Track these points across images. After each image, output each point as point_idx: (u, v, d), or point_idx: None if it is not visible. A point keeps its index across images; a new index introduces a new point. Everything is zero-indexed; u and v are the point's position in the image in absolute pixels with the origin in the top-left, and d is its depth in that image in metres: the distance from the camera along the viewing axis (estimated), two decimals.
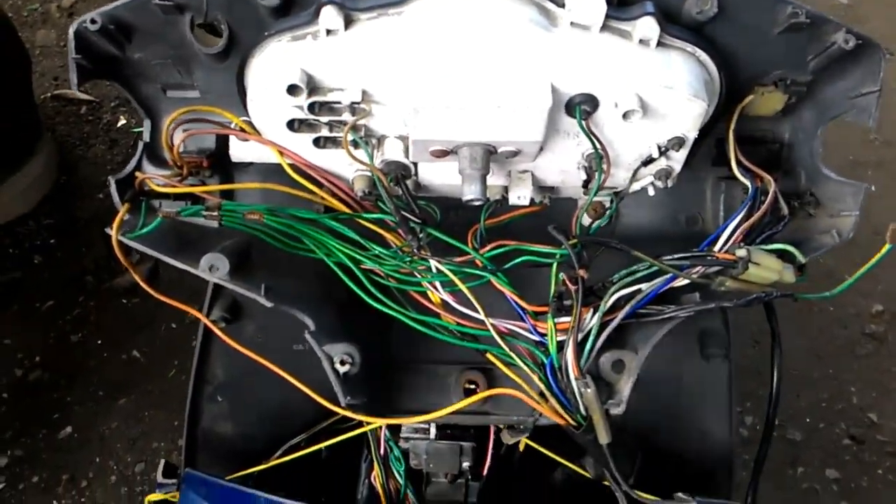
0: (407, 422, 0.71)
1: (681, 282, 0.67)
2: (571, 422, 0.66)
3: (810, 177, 0.77)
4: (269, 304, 0.64)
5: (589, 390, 0.63)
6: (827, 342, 2.12)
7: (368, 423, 0.93)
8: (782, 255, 0.67)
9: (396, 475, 0.92)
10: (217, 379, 1.04)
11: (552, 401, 0.67)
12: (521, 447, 0.92)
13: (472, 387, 0.77)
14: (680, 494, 0.65)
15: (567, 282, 0.65)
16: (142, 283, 0.72)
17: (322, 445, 0.92)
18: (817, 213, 0.74)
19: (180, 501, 0.94)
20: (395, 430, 0.94)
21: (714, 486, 0.96)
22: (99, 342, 2.26)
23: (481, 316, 0.68)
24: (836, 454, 1.98)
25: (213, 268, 0.65)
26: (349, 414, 0.67)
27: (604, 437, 0.64)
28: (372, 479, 0.93)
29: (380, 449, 0.93)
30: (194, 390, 1.03)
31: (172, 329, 2.26)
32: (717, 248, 0.67)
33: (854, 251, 2.27)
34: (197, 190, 0.71)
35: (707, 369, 0.98)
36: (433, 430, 0.93)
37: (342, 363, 0.65)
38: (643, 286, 0.67)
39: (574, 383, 0.64)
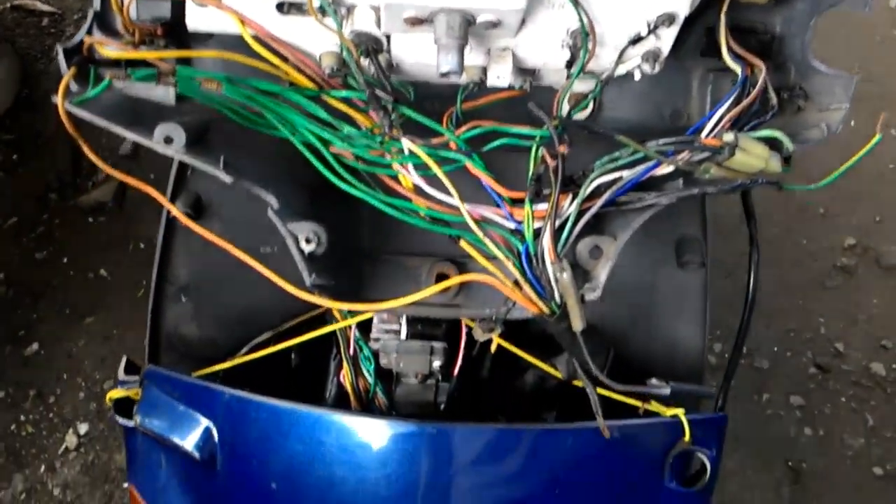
0: (374, 308, 0.68)
1: (664, 169, 0.64)
2: (545, 310, 0.64)
3: (800, 70, 0.74)
4: (228, 180, 0.60)
5: (565, 274, 0.61)
6: (798, 274, 2.14)
7: (335, 320, 0.92)
8: (770, 145, 0.64)
9: (366, 374, 0.90)
10: (180, 279, 1.00)
11: (526, 288, 0.64)
12: (493, 348, 0.91)
13: (444, 276, 0.74)
14: (653, 380, 0.64)
15: (547, 157, 0.62)
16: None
17: (290, 343, 0.90)
18: (806, 107, 0.72)
19: (142, 398, 0.92)
20: (365, 330, 0.92)
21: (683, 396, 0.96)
22: (64, 260, 2.22)
23: (455, 200, 0.64)
24: (802, 382, 2.03)
25: (168, 139, 0.60)
26: (315, 299, 0.65)
27: (578, 324, 0.63)
28: (341, 377, 0.91)
29: (349, 349, 0.91)
30: (156, 289, 1.00)
31: (140, 249, 2.22)
32: (704, 133, 0.64)
33: (831, 186, 2.28)
34: (150, 55, 0.66)
35: (682, 277, 0.97)
36: (404, 330, 0.91)
37: (307, 241, 0.62)
38: (625, 173, 0.64)
39: (550, 268, 0.62)
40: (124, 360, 0.97)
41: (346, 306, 0.66)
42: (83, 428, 2.02)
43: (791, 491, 1.93)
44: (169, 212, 0.96)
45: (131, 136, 0.63)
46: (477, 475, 0.84)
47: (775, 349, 2.07)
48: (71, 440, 1.99)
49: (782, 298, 2.12)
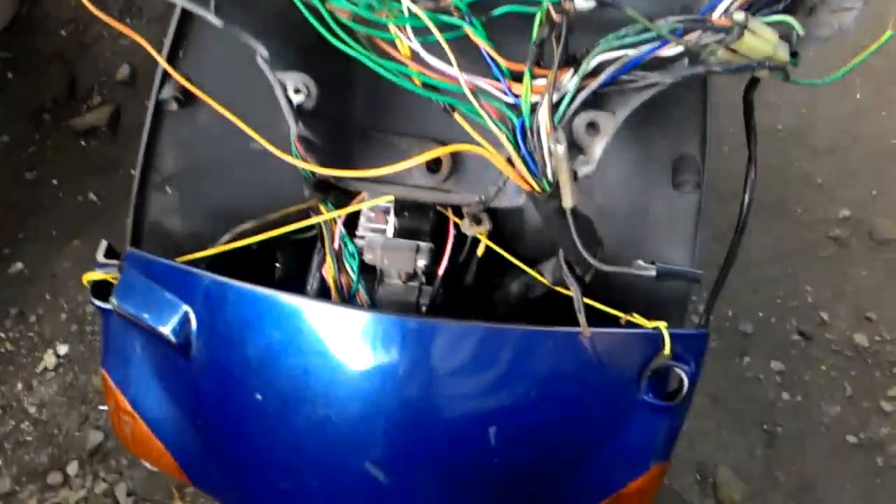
0: (358, 174, 0.66)
1: (670, 50, 0.62)
2: (537, 187, 0.63)
3: None
4: (218, 23, 0.58)
5: (560, 146, 0.60)
6: (791, 243, 2.13)
7: (320, 212, 0.89)
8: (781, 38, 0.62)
9: (349, 270, 0.89)
10: (166, 168, 0.98)
11: (519, 164, 0.63)
12: (480, 252, 0.90)
13: (436, 160, 0.72)
14: (640, 262, 0.63)
15: (552, 12, 0.60)
16: None
17: (274, 233, 0.88)
18: (819, 7, 0.69)
19: (121, 281, 0.90)
20: (350, 225, 0.91)
21: (668, 307, 0.95)
22: (54, 181, 2.19)
23: (452, 69, 0.62)
24: (784, 348, 2.03)
25: None
26: (301, 164, 0.63)
27: (569, 201, 0.61)
28: (323, 271, 0.89)
29: (333, 243, 0.89)
30: (141, 177, 0.98)
31: (131, 176, 2.19)
32: (715, 14, 0.62)
33: (833, 158, 2.26)
34: None
35: (676, 199, 0.95)
36: (391, 228, 0.89)
37: (296, 91, 0.59)
38: (630, 51, 0.62)
39: (545, 139, 0.60)
40: (104, 244, 0.95)
41: (332, 172, 0.64)
42: (63, 349, 2.01)
43: (765, 454, 1.94)
44: (158, 95, 0.94)
45: None
46: (455, 373, 0.84)
47: (760, 314, 2.07)
48: (50, 360, 1.98)
49: (773, 265, 2.11)
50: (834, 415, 1.96)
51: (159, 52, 0.92)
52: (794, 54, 0.64)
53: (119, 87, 2.34)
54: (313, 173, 0.71)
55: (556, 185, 0.62)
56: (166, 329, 0.86)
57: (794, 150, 2.23)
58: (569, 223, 0.62)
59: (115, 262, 0.92)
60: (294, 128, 0.59)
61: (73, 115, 2.26)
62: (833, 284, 2.09)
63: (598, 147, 0.62)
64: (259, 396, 0.82)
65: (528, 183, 0.63)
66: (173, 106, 0.93)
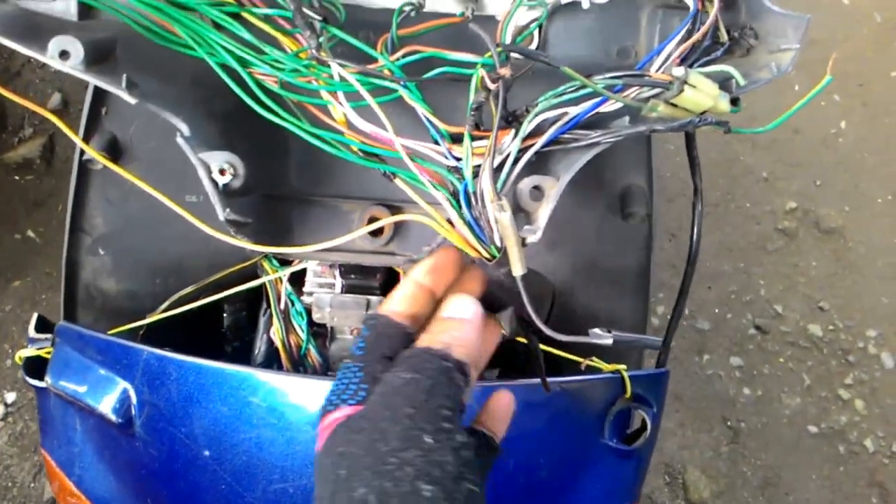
0: (299, 252, 0.63)
1: (610, 106, 0.60)
2: (485, 254, 0.60)
3: (751, 10, 0.70)
4: (131, 100, 0.54)
5: (504, 214, 0.57)
6: (740, 237, 2.17)
7: (266, 274, 0.86)
8: (719, 85, 0.61)
9: (298, 330, 0.85)
10: (97, 229, 0.93)
11: (465, 230, 0.60)
12: None
13: (378, 224, 0.69)
14: (596, 330, 0.61)
15: (488, 81, 0.57)
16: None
17: (213, 298, 0.84)
18: (756, 47, 0.68)
19: (53, 357, 0.85)
20: (297, 284, 0.87)
21: (626, 346, 0.94)
22: None
23: (389, 133, 0.59)
24: (741, 343, 2.07)
25: (64, 53, 0.53)
26: (236, 241, 0.59)
27: (518, 268, 0.59)
28: (271, 334, 0.86)
29: (280, 303, 0.86)
30: (70, 241, 0.92)
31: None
32: (653, 68, 0.60)
33: (774, 151, 2.30)
34: None
35: (627, 229, 0.94)
36: (338, 283, 0.86)
37: (221, 172, 0.56)
38: (570, 109, 0.60)
39: (489, 206, 0.57)
40: (35, 316, 0.89)
41: (268, 249, 0.60)
42: (10, 397, 1.94)
43: (730, 450, 1.97)
44: (82, 155, 0.88)
45: (24, 50, 0.55)
46: None
47: (716, 311, 2.10)
48: None
49: (724, 261, 2.14)
50: (794, 406, 2.00)
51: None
52: (734, 101, 0.63)
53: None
54: None
55: (503, 251, 0.59)
56: (105, 407, 0.81)
57: (737, 145, 2.26)
58: (520, 289, 0.60)
59: (47, 335, 0.87)
60: (221, 212, 0.55)
61: (4, 150, 2.17)
62: (784, 277, 2.13)
63: (543, 213, 0.60)
64: (210, 473, 0.78)
65: (474, 249, 0.61)
66: (99, 165, 0.88)
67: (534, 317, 0.62)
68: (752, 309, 2.10)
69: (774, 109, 2.29)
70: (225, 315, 1.08)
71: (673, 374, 2.14)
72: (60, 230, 2.12)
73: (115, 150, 0.88)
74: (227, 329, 1.08)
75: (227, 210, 0.55)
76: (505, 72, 0.56)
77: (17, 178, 2.18)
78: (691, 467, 1.92)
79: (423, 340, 0.52)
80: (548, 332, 0.60)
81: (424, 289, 0.58)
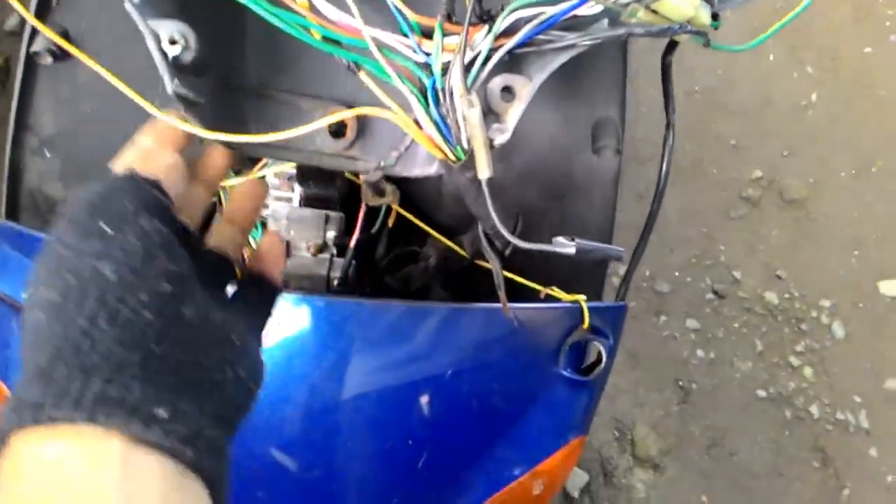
0: (249, 139, 0.60)
1: (589, 9, 0.57)
2: (451, 155, 0.58)
3: None
4: None
5: (473, 110, 0.55)
6: (705, 203, 2.18)
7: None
8: None
9: (253, 244, 0.82)
10: (44, 129, 0.88)
11: (431, 129, 0.57)
12: (391, 222, 0.85)
13: (340, 124, 0.66)
14: (560, 238, 0.60)
15: None
16: None
17: None
18: None
19: None
20: None
21: (587, 278, 0.94)
22: None
23: (356, 21, 0.56)
24: (699, 306, 2.09)
25: None
26: (186, 126, 0.55)
27: (485, 171, 0.56)
28: None
29: None
30: (14, 142, 0.87)
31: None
32: None
33: (747, 118, 2.30)
34: None
35: (597, 163, 0.93)
36: (297, 196, 0.83)
37: (171, 42, 0.52)
38: (547, 9, 0.57)
39: (457, 102, 0.55)
40: None
41: (220, 136, 0.57)
42: None
43: (680, 409, 2.01)
44: (29, 46, 0.83)
45: None
46: (368, 354, 0.79)
47: (676, 274, 2.12)
48: None
49: (688, 226, 2.16)
50: (745, 370, 2.04)
51: None
52: (714, 16, 0.61)
53: (7, 38, 2.14)
54: None
55: (470, 154, 0.57)
56: None
57: (709, 111, 2.26)
58: (485, 195, 0.58)
59: None
60: (169, 84, 0.52)
61: None
62: (745, 244, 2.16)
63: (513, 114, 0.57)
64: None
65: (440, 150, 0.58)
66: (48, 60, 0.83)
67: (497, 223, 0.60)
68: (711, 274, 2.12)
69: (751, 78, 2.29)
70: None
71: (629, 333, 2.16)
72: (9, 126, 2.05)
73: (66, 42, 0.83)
74: None
75: (176, 81, 0.51)
76: None
77: None
78: (641, 424, 1.95)
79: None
80: (512, 239, 0.58)
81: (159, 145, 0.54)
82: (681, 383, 2.02)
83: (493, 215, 0.60)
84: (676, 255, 2.13)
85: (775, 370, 2.05)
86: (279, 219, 0.80)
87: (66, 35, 0.84)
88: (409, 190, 0.86)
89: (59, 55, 0.83)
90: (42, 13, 0.85)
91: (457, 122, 0.57)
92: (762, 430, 1.98)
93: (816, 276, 2.12)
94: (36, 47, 0.82)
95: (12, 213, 0.90)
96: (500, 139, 0.57)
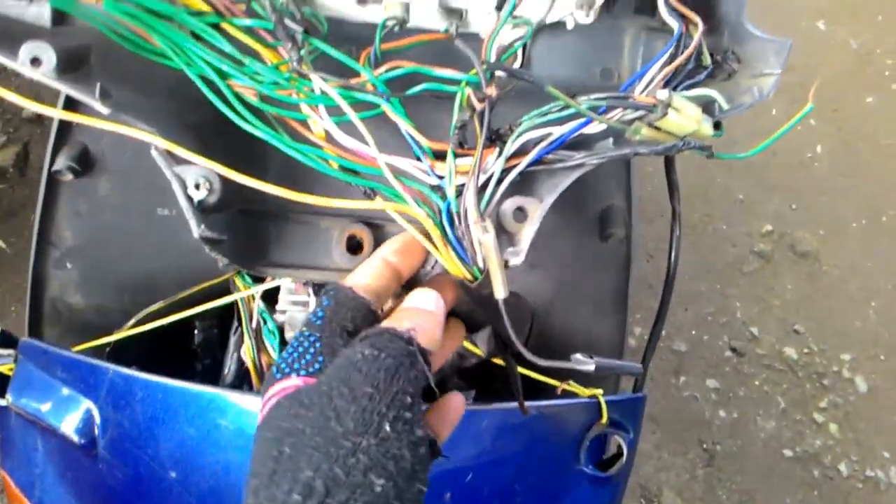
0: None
1: (594, 127, 0.59)
2: (467, 274, 0.59)
3: (734, 34, 0.70)
4: (104, 110, 0.52)
5: (488, 236, 0.56)
6: (717, 259, 2.18)
7: (238, 290, 0.84)
8: (703, 109, 0.61)
9: (270, 350, 0.83)
10: (65, 242, 0.90)
11: (447, 250, 0.59)
12: None
13: (357, 241, 0.67)
14: (578, 356, 0.60)
15: (473, 100, 0.56)
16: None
17: (183, 314, 0.82)
18: (739, 72, 0.68)
19: (16, 374, 0.81)
20: (270, 301, 0.85)
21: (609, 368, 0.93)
22: None
23: (371, 150, 0.58)
24: (718, 365, 2.07)
25: (35, 60, 0.51)
26: (219, 259, 0.57)
27: (500, 291, 0.57)
28: (241, 353, 0.83)
29: (252, 321, 0.83)
30: (37, 254, 0.89)
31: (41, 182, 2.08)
32: (637, 90, 0.60)
33: (752, 174, 2.32)
34: None
35: (605, 249, 0.94)
36: (313, 301, 0.84)
37: (196, 187, 0.54)
38: (554, 130, 0.59)
39: (472, 228, 0.56)
40: None
41: (245, 268, 0.58)
42: None
43: (705, 473, 1.97)
44: (51, 166, 0.86)
45: None
46: None
47: (693, 332, 2.10)
48: None
49: (701, 283, 2.16)
50: (770, 430, 2.00)
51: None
52: (717, 125, 0.63)
53: (26, 125, 2.21)
54: None
55: (486, 274, 0.58)
56: (68, 427, 0.78)
57: (715, 166, 2.28)
58: (502, 313, 0.59)
59: (10, 351, 0.84)
60: (196, 230, 0.53)
61: None
62: (760, 299, 2.14)
63: (527, 235, 0.58)
64: (176, 496, 0.75)
65: (457, 269, 0.59)
66: (69, 177, 0.86)
67: (515, 340, 0.60)
68: (728, 331, 2.11)
69: (753, 132, 2.31)
70: (196, 332, 1.05)
71: (650, 395, 2.14)
72: (32, 241, 2.08)
73: (86, 162, 0.86)
74: (197, 346, 1.05)
75: (202, 227, 0.53)
76: (491, 91, 0.55)
77: None
78: (667, 490, 1.91)
79: (385, 322, 0.50)
80: (528, 356, 0.59)
81: (391, 266, 0.57)
82: (705, 445, 1.98)
83: (511, 332, 0.60)
84: (691, 312, 2.12)
85: (800, 428, 2.01)
86: (295, 325, 0.81)
87: (85, 151, 0.87)
88: None
89: (80, 172, 0.86)
90: (63, 130, 0.88)
91: (472, 244, 0.58)
92: (791, 492, 1.94)
93: (835, 329, 2.10)
94: (57, 166, 0.85)
95: (35, 324, 0.92)
96: (515, 261, 0.58)
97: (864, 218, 2.22)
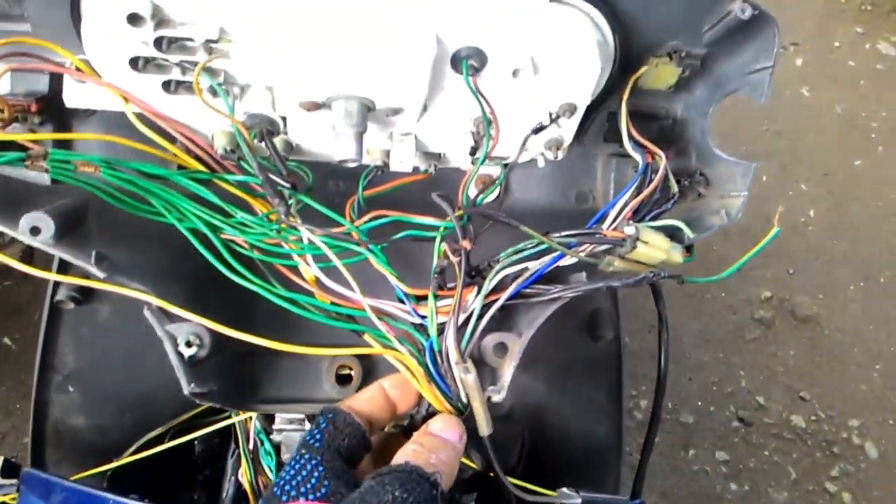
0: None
1: (568, 260, 0.62)
2: (452, 410, 0.61)
3: (701, 156, 0.74)
4: (100, 275, 0.55)
5: (469, 376, 0.58)
6: (718, 327, 2.18)
7: (235, 413, 0.86)
8: (671, 235, 0.64)
9: (267, 471, 0.84)
10: (67, 367, 0.92)
11: (431, 386, 0.61)
12: None
13: (347, 373, 0.70)
14: (564, 490, 0.61)
15: (448, 253, 0.60)
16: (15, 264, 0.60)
17: (181, 440, 0.83)
18: (707, 193, 0.72)
19: None
20: (267, 422, 0.86)
21: (602, 469, 0.94)
22: None
23: (356, 295, 0.61)
24: (726, 436, 2.05)
25: (35, 230, 0.55)
26: (207, 402, 0.59)
27: (484, 429, 0.59)
28: (239, 475, 0.84)
29: (248, 443, 0.85)
30: (39, 380, 0.92)
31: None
32: (605, 225, 0.63)
33: (747, 240, 2.35)
34: (20, 137, 0.61)
35: (596, 350, 0.95)
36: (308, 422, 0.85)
37: (188, 345, 0.56)
38: (530, 265, 0.62)
39: (454, 368, 0.58)
40: (0, 460, 0.87)
41: (233, 409, 0.61)
42: None
43: None
44: (53, 296, 0.89)
45: None
46: None
47: (699, 403, 2.09)
48: None
49: (704, 352, 2.15)
50: (782, 501, 1.97)
51: None
52: (689, 248, 0.66)
53: None
54: None
55: (470, 410, 0.60)
56: None
57: (722, 228, 2.31)
58: (487, 448, 0.60)
59: (13, 481, 0.85)
60: (186, 388, 0.56)
61: None
62: (764, 367, 2.14)
63: (507, 372, 0.61)
64: None
65: (441, 405, 0.61)
66: (70, 306, 0.89)
67: (501, 476, 0.62)
68: (734, 400, 2.10)
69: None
70: (196, 443, 1.06)
71: (660, 470, 2.11)
72: (37, 337, 2.10)
73: (87, 290, 0.89)
74: (197, 457, 1.06)
75: (192, 385, 0.56)
76: (467, 244, 0.58)
77: None
78: None
79: (413, 454, 0.52)
80: (514, 491, 0.60)
81: (389, 399, 0.59)
82: None
83: (497, 467, 0.62)
84: (696, 383, 2.12)
85: (813, 498, 1.97)
86: (292, 446, 0.82)
87: (87, 279, 0.90)
88: None
89: (81, 300, 0.89)
90: (64, 262, 0.91)
91: (455, 381, 0.60)
92: None
93: (841, 394, 2.09)
94: (60, 296, 0.88)
95: (38, 447, 0.93)
96: (497, 398, 0.60)
97: (861, 280, 2.23)
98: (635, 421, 2.06)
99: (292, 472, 0.50)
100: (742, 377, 2.13)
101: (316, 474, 0.49)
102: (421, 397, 0.61)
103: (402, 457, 0.51)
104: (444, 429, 0.57)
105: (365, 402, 0.58)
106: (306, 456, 0.51)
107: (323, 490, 0.48)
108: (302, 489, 0.48)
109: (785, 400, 2.09)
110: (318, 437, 0.53)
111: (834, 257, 2.27)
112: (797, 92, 2.62)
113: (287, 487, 0.49)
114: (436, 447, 0.54)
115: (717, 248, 2.31)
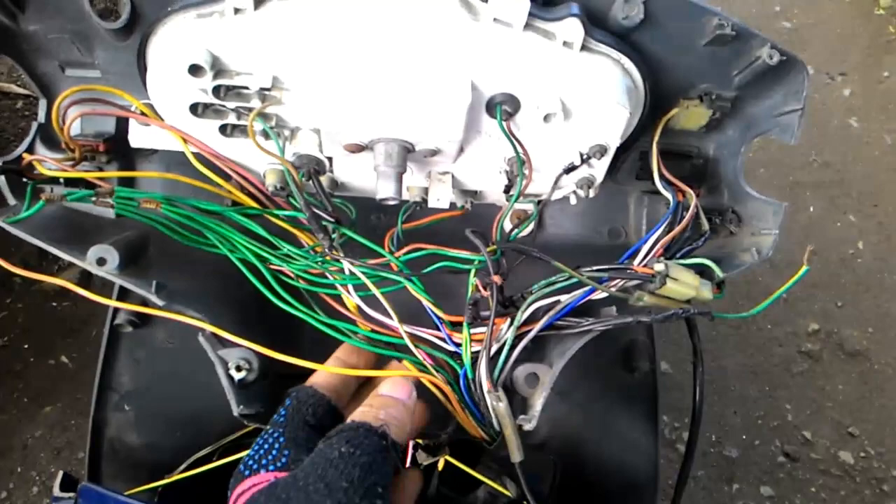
0: None
1: (599, 294, 0.64)
2: (485, 436, 0.63)
3: (733, 194, 0.75)
4: (160, 303, 0.60)
5: (501, 404, 0.60)
6: (764, 360, 2.15)
7: None
8: (701, 272, 0.65)
9: None
10: (124, 387, 0.98)
11: (465, 412, 0.63)
12: (441, 466, 0.89)
13: None
14: None
15: (480, 288, 0.63)
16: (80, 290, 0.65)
17: (232, 458, 0.87)
18: (739, 230, 0.73)
19: None
20: None
21: (637, 502, 0.94)
22: (26, 346, 2.18)
23: (395, 323, 0.64)
24: (771, 471, 2.01)
25: (101, 260, 0.60)
26: (255, 424, 0.63)
27: (515, 456, 0.61)
28: None
29: None
30: (98, 399, 0.97)
31: (103, 335, 2.19)
32: (636, 261, 0.65)
33: (794, 272, 2.31)
34: (89, 175, 0.67)
35: (632, 381, 0.96)
36: None
37: (238, 369, 0.61)
38: (562, 297, 0.64)
39: (487, 396, 0.61)
40: (60, 474, 0.93)
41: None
42: None
43: None
44: (113, 319, 0.95)
45: (62, 254, 0.62)
46: None
47: (744, 437, 2.05)
48: None
49: (750, 384, 2.12)
50: None
51: None
52: (720, 285, 0.67)
53: None
54: None
55: (502, 436, 0.62)
56: None
57: (755, 266, 2.28)
58: (518, 474, 0.62)
59: (71, 495, 0.90)
60: (235, 409, 0.60)
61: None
62: (811, 401, 2.09)
63: (538, 402, 0.63)
64: None
65: (475, 429, 0.64)
66: (129, 329, 0.94)
67: (531, 501, 0.64)
68: (779, 435, 2.05)
69: (792, 230, 2.29)
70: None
71: None
72: (93, 355, 2.18)
73: (144, 314, 0.94)
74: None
75: (241, 406, 0.60)
76: (498, 280, 0.61)
77: (54, 304, 2.26)
78: None
79: (360, 414, 0.54)
80: None
81: (346, 365, 0.62)
82: None
83: (528, 493, 0.64)
84: (741, 416, 2.08)
85: None
86: None
87: (145, 304, 0.96)
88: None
89: (139, 324, 0.95)
90: (124, 289, 0.97)
91: (488, 409, 0.62)
92: None
93: (892, 430, 2.02)
94: (119, 320, 0.94)
95: (94, 463, 0.99)
96: (528, 427, 0.62)
97: None
98: (677, 453, 2.03)
99: (257, 447, 0.52)
100: (788, 411, 2.08)
101: (276, 446, 0.52)
102: (448, 414, 0.64)
103: (350, 419, 0.53)
104: (393, 389, 0.59)
105: (324, 375, 0.61)
106: (269, 430, 0.54)
107: (283, 460, 0.50)
108: (263, 461, 0.50)
109: (832, 435, 2.04)
110: (282, 412, 0.56)
111: (883, 290, 2.21)
112: (845, 122, 2.58)
113: (250, 462, 0.51)
114: (384, 404, 0.56)
115: (762, 278, 2.28)
